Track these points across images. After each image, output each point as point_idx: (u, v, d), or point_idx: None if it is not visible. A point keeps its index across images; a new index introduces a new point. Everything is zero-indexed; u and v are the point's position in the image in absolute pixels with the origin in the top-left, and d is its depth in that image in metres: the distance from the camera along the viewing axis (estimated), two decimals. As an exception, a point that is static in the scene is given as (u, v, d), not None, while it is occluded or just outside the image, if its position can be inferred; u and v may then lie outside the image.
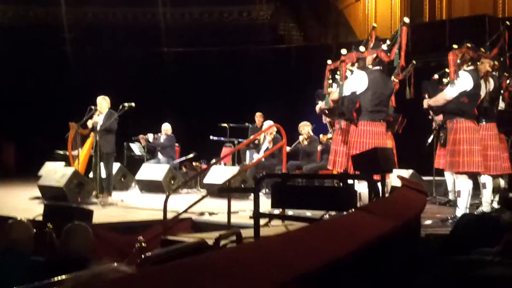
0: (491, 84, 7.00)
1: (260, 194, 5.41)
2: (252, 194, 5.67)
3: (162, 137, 12.25)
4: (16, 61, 15.98)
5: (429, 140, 8.87)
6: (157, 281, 1.29)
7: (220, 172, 10.10)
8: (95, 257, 4.16)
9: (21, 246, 4.08)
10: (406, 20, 6.58)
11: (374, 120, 6.26)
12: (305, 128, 10.66)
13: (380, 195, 4.44)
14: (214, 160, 11.08)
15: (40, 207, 6.77)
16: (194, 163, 12.20)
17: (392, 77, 7.23)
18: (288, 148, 10.37)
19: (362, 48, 6.54)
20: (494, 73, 7.10)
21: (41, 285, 3.10)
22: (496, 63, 7.10)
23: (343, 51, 6.71)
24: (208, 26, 18.47)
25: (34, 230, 4.40)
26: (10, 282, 3.44)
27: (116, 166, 10.83)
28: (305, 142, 10.68)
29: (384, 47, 6.39)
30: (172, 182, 10.86)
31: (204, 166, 11.68)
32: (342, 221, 2.66)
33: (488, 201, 6.82)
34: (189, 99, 15.66)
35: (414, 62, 7.81)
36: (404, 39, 6.26)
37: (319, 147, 10.50)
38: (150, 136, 12.26)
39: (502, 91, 7.36)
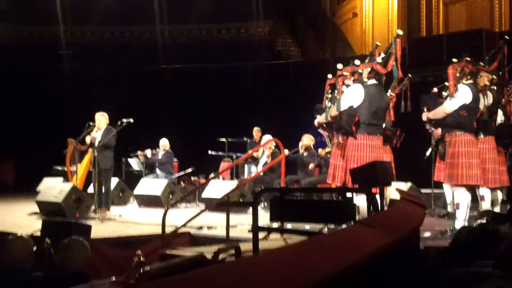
0: (490, 98, 7.03)
1: (259, 208, 5.40)
2: (251, 208, 5.66)
3: (160, 153, 12.25)
4: (14, 78, 16.04)
5: (428, 153, 8.88)
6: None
7: (218, 187, 10.08)
8: (93, 272, 4.15)
9: (21, 262, 4.07)
10: (400, 32, 6.61)
11: (371, 134, 6.28)
12: (308, 140, 10.65)
13: (379, 208, 4.44)
14: (212, 175, 11.07)
15: (39, 223, 6.75)
16: (192, 178, 12.19)
17: (389, 91, 7.25)
18: (286, 151, 10.39)
19: (357, 62, 6.58)
20: (492, 87, 7.13)
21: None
22: (494, 77, 7.13)
23: (339, 66, 6.74)
24: (206, 42, 18.56)
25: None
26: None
27: (114, 181, 10.82)
28: (304, 153, 10.66)
29: (379, 59, 6.42)
30: (170, 196, 10.84)
31: (202, 180, 11.66)
32: (341, 235, 2.65)
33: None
34: (188, 114, 15.69)
35: (409, 75, 7.84)
36: (399, 51, 6.29)
37: (312, 166, 10.46)
38: (148, 152, 12.27)
39: (502, 104, 7.38)
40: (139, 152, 12.44)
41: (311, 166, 10.45)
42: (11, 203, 11.56)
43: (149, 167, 12.61)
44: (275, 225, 6.34)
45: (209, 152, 12.55)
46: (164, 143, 12.27)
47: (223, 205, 7.75)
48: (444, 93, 7.44)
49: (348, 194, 5.15)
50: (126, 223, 8.45)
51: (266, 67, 16.75)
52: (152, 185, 11.22)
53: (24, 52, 17.08)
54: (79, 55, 17.24)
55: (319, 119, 7.57)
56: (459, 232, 4.65)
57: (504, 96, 7.35)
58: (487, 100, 6.94)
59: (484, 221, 5.58)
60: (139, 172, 12.76)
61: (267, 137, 11.01)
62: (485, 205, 6.84)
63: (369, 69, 6.43)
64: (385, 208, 4.84)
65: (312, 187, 9.71)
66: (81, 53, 17.30)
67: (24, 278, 3.98)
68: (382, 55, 6.48)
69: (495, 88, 7.21)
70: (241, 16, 18.37)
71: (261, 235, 5.67)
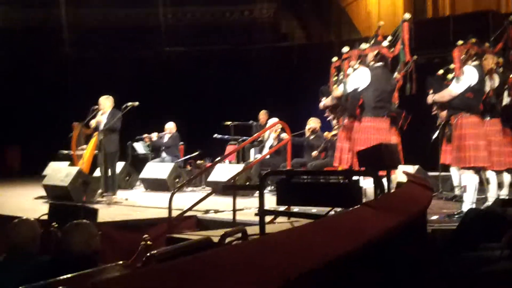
0: (496, 80, 6.98)
1: (265, 191, 5.41)
2: (257, 192, 5.67)
3: (167, 136, 12.26)
4: (18, 63, 16.04)
5: (434, 136, 8.85)
6: (163, 278, 1.28)
7: (224, 170, 10.09)
8: (100, 255, 4.16)
9: (27, 245, 4.08)
10: (407, 16, 6.57)
11: (377, 116, 6.26)
12: (314, 123, 10.65)
13: (386, 191, 4.43)
14: (218, 158, 11.08)
15: (45, 207, 6.77)
16: (198, 161, 12.20)
17: (395, 74, 7.21)
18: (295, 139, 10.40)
19: (363, 45, 6.53)
20: (498, 69, 7.08)
21: (47, 284, 3.10)
22: (500, 59, 7.08)
23: (345, 49, 6.70)
24: (210, 25, 18.48)
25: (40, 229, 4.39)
26: (17, 281, 3.44)
27: (120, 165, 10.85)
28: (311, 136, 10.67)
29: (385, 43, 6.38)
30: (176, 180, 10.87)
31: (208, 164, 11.67)
32: (348, 217, 2.65)
33: (494, 196, 6.81)
34: (193, 97, 15.68)
35: (415, 57, 7.79)
36: (406, 34, 6.25)
37: (315, 153, 10.46)
38: (155, 135, 12.28)
39: (507, 86, 7.34)
40: (145, 135, 12.45)
41: (314, 153, 10.45)
42: (18, 187, 11.61)
43: (155, 151, 12.63)
44: (282, 208, 6.35)
45: (215, 135, 12.55)
46: (170, 126, 12.28)
47: (230, 188, 7.75)
48: (450, 75, 7.39)
49: (355, 177, 5.14)
50: (132, 207, 8.48)
51: (270, 50, 16.69)
52: (158, 168, 11.24)
53: (28, 36, 17.05)
54: (82, 38, 17.21)
55: (325, 101, 7.55)
56: (466, 215, 4.66)
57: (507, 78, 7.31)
58: (493, 82, 6.89)
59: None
60: (145, 155, 12.79)
61: (273, 120, 11.00)
62: (492, 187, 6.83)
63: (375, 52, 6.39)
64: (392, 191, 4.83)
65: (319, 170, 9.71)
66: (84, 36, 17.26)
67: (30, 261, 4.00)
68: (389, 37, 6.44)
69: (501, 70, 7.16)
70: (245, -2, 18.29)
71: (267, 218, 5.67)
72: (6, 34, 16.66)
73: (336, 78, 7.32)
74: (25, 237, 4.11)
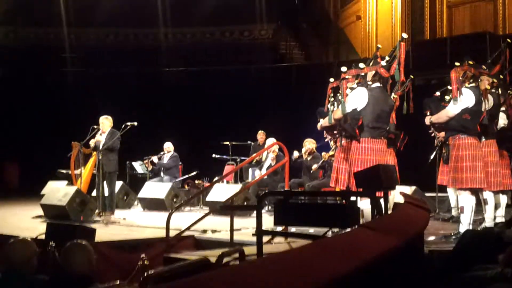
0: (490, 101, 7.01)
1: (263, 211, 5.41)
2: (255, 212, 5.68)
3: (166, 157, 12.26)
4: (18, 81, 16.08)
5: (432, 157, 8.87)
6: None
7: (222, 190, 10.09)
8: (97, 275, 4.15)
9: (24, 265, 4.07)
10: (404, 35, 6.62)
11: (375, 137, 6.27)
12: (310, 144, 10.69)
13: (383, 212, 4.43)
14: (216, 178, 11.09)
15: (43, 226, 6.77)
16: (196, 181, 12.20)
17: (393, 94, 7.24)
18: (296, 153, 10.40)
19: (361, 65, 6.57)
20: (493, 90, 7.12)
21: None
22: (495, 80, 7.12)
23: (343, 69, 6.73)
24: (210, 45, 18.59)
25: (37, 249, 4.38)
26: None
27: (118, 184, 10.84)
28: (308, 158, 10.70)
29: (383, 63, 6.42)
30: (174, 200, 10.86)
31: (206, 184, 11.68)
32: (345, 238, 2.66)
33: (491, 217, 6.81)
34: (191, 117, 15.70)
35: (411, 77, 7.83)
36: (403, 54, 6.28)
37: (315, 167, 10.48)
38: (155, 158, 12.26)
39: (504, 108, 7.37)
40: (145, 161, 12.45)
41: (314, 167, 10.47)
42: (16, 206, 11.58)
43: (154, 171, 12.63)
44: (279, 228, 6.34)
45: (213, 155, 12.57)
46: (168, 145, 12.29)
47: (227, 208, 7.75)
48: (447, 97, 7.43)
49: (352, 198, 5.15)
50: (130, 227, 8.46)
51: (269, 70, 16.76)
52: (156, 188, 11.23)
53: (28, 55, 17.13)
54: (83, 57, 17.29)
55: (322, 122, 7.57)
56: (463, 236, 4.66)
57: (506, 100, 7.34)
58: (487, 103, 6.93)
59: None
60: (144, 175, 12.78)
61: (271, 140, 11.02)
62: (489, 208, 6.84)
63: (373, 72, 6.43)
64: (389, 212, 4.84)
65: (316, 190, 9.71)
66: (85, 56, 17.35)
67: (27, 281, 3.99)
68: (387, 58, 6.48)
69: (496, 91, 7.20)
70: (244, 19, 18.39)
71: (265, 238, 5.67)
72: (7, 52, 16.74)
73: (332, 99, 7.34)
74: (21, 257, 4.09)
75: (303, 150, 10.79)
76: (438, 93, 8.06)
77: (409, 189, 8.93)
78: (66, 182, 11.25)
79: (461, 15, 15.54)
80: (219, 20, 18.36)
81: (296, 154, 10.44)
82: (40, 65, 16.64)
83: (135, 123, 9.40)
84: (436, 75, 12.25)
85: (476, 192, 6.62)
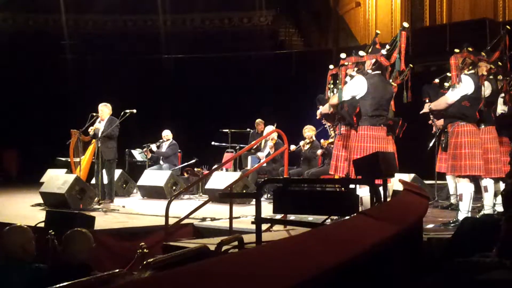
0: (488, 88, 7.00)
1: (262, 199, 5.41)
2: (254, 200, 5.67)
3: (165, 145, 12.25)
4: (17, 69, 16.03)
5: (431, 144, 8.87)
6: (159, 287, 1.29)
7: (221, 178, 10.10)
8: (97, 263, 4.16)
9: (20, 252, 4.07)
10: (406, 25, 6.59)
11: (374, 125, 6.26)
12: (310, 132, 10.66)
13: (382, 199, 4.44)
14: (216, 166, 11.10)
15: (42, 214, 6.78)
16: (195, 169, 12.21)
17: (391, 81, 7.23)
18: (293, 147, 10.39)
19: (361, 53, 6.54)
20: (491, 77, 7.09)
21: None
22: (492, 66, 7.09)
23: (342, 55, 6.71)
24: (209, 32, 18.53)
25: (34, 235, 4.37)
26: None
27: (118, 172, 10.85)
28: (306, 147, 10.70)
29: (384, 51, 6.39)
30: (173, 188, 10.87)
31: (205, 172, 11.68)
32: (344, 226, 2.65)
33: (490, 205, 6.82)
34: (190, 105, 15.69)
35: (411, 65, 7.81)
36: (403, 43, 6.26)
37: (320, 152, 10.49)
38: (153, 147, 12.25)
39: (503, 94, 7.36)
40: (144, 149, 12.45)
41: (319, 152, 10.46)
42: (15, 194, 11.59)
43: (153, 159, 12.63)
44: (278, 216, 6.35)
45: (212, 143, 12.57)
46: (167, 133, 12.28)
47: (226, 196, 7.75)
48: (446, 84, 7.41)
49: (351, 185, 5.15)
50: (129, 214, 8.48)
51: (269, 57, 16.72)
52: (156, 176, 11.24)
53: (26, 42, 17.08)
54: (82, 44, 17.23)
55: (322, 109, 7.56)
56: (462, 224, 4.67)
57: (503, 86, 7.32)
58: (485, 90, 6.91)
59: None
60: (143, 163, 12.79)
61: (270, 128, 11.01)
62: (488, 196, 6.84)
63: (373, 60, 6.40)
64: (388, 199, 4.84)
65: (315, 178, 9.72)
66: (84, 42, 17.30)
67: (26, 269, 3.99)
68: (387, 46, 6.45)
69: (493, 78, 7.17)
70: (243, 5, 18.33)
71: (264, 226, 5.68)
72: (6, 39, 16.68)
73: (332, 86, 7.32)
74: (16, 244, 4.09)
75: (301, 143, 10.77)
76: (437, 80, 8.04)
77: (408, 177, 8.93)
78: (65, 170, 11.26)
79: (461, 2, 15.47)
80: (219, 7, 18.30)
81: (293, 147, 10.41)
82: (39, 52, 16.59)
83: (134, 111, 9.39)
84: (435, 62, 12.23)
85: (475, 179, 6.63)
